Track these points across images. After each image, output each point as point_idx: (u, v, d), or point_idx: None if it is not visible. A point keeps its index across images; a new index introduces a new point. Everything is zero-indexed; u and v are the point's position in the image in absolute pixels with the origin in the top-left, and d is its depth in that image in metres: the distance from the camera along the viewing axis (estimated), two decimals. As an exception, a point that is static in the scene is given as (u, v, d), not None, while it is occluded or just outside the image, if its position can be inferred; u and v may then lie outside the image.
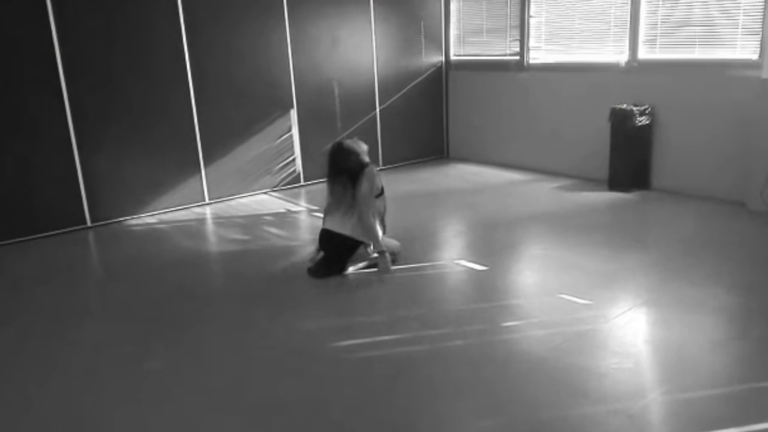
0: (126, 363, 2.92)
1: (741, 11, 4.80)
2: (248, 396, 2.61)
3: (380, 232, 3.90)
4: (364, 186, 3.80)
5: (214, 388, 2.68)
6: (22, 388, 2.75)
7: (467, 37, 6.99)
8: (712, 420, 2.34)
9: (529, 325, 3.16)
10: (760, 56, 4.70)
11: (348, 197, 3.84)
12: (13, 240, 4.69)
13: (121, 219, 5.15)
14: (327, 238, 3.90)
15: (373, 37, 6.45)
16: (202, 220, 5.23)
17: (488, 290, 3.62)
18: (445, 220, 4.94)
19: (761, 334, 2.97)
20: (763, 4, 4.63)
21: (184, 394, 2.65)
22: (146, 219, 5.21)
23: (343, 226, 3.83)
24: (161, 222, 5.14)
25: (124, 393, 2.67)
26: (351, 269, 3.90)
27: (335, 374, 2.76)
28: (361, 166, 3.85)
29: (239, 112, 5.66)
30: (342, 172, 3.87)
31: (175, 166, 5.39)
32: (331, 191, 3.95)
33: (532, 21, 6.28)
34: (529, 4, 6.25)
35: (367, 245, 3.90)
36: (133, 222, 5.15)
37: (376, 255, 3.87)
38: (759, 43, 4.72)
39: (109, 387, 2.72)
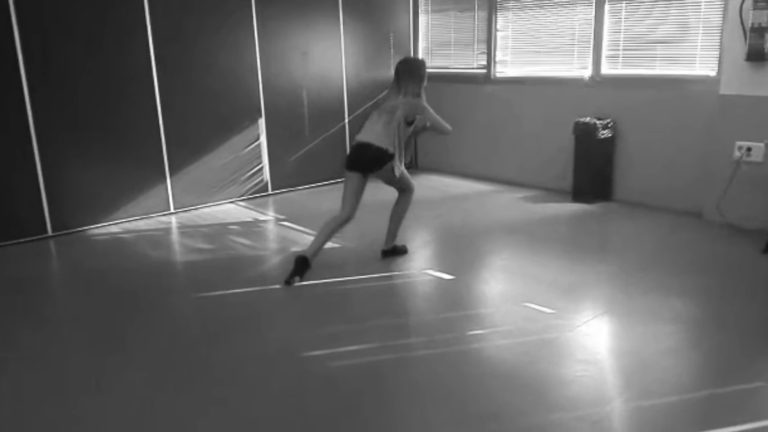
0: (97, 374, 2.87)
1: (700, 30, 4.96)
2: (233, 402, 2.58)
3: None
4: (407, 105, 3.97)
5: (186, 400, 2.64)
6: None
7: (435, 50, 7.07)
8: (670, 426, 2.40)
9: (496, 333, 3.20)
10: (717, 73, 4.86)
11: (399, 96, 3.97)
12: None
13: (83, 228, 5.04)
14: (360, 149, 3.96)
15: (343, 49, 6.47)
16: (167, 230, 5.15)
17: (456, 299, 3.65)
18: (413, 230, 4.96)
19: (713, 342, 3.06)
20: (720, 23, 4.80)
21: (159, 405, 2.61)
22: (110, 228, 5.11)
23: (385, 135, 3.92)
24: (125, 231, 5.05)
25: (98, 403, 2.62)
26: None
27: (305, 384, 2.75)
28: (419, 90, 4.01)
29: (206, 120, 5.60)
30: (408, 72, 4.00)
31: (139, 174, 5.30)
32: (395, 83, 4.06)
33: (499, 35, 6.39)
34: (495, 19, 6.35)
35: (396, 166, 3.99)
36: (96, 231, 5.04)
37: (399, 172, 4.03)
38: (717, 60, 4.88)
39: (80, 397, 2.67)
